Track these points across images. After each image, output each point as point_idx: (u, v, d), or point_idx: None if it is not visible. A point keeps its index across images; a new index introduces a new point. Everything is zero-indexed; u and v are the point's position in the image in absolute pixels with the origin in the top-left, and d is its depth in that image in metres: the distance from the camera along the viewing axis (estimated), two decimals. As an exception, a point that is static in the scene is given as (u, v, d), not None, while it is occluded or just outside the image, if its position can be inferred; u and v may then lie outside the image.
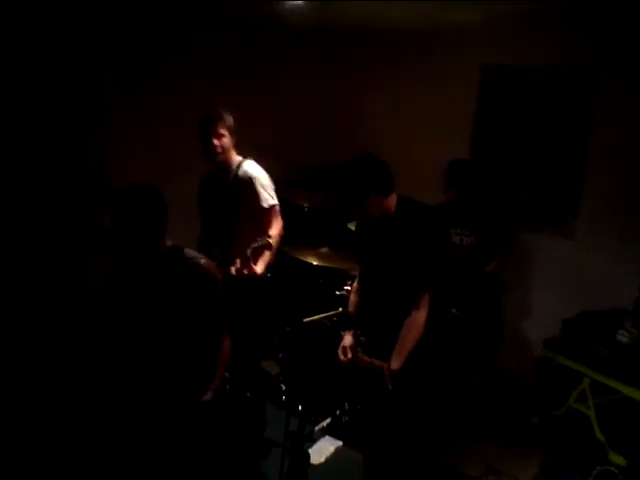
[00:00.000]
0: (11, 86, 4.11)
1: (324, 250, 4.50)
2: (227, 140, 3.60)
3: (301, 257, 4.38)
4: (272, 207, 3.65)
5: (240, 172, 3.64)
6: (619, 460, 3.71)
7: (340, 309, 4.04)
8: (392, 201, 2.86)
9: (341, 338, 3.11)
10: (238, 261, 3.41)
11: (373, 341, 3.07)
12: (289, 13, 4.61)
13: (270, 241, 3.41)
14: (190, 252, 2.75)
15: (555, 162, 4.63)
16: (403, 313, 2.82)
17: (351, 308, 3.22)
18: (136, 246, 2.65)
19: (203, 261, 2.74)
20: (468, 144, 5.16)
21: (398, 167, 4.84)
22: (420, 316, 2.79)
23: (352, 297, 3.28)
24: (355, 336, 3.06)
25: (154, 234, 2.64)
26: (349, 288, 4.15)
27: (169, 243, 2.74)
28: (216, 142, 3.56)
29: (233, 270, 3.41)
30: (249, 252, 3.39)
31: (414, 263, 2.78)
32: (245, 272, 3.41)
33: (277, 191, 3.78)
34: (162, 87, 4.88)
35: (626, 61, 4.14)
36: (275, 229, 3.65)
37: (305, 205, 4.70)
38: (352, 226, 4.25)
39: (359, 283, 3.25)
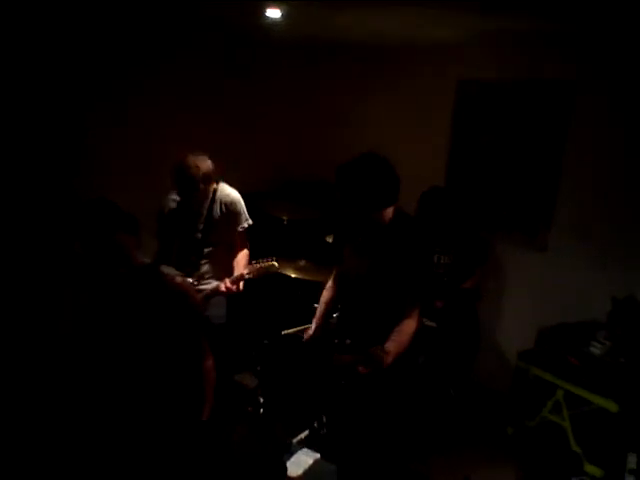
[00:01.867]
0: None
1: (302, 263, 4.52)
2: (206, 189, 3.66)
3: (279, 270, 4.39)
4: (249, 226, 3.82)
5: (219, 195, 3.72)
6: (595, 471, 3.75)
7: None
8: (390, 212, 2.85)
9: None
10: (228, 280, 3.58)
11: (357, 346, 3.07)
12: (273, 27, 4.66)
13: (276, 264, 3.56)
14: (167, 269, 2.72)
15: (529, 175, 4.70)
16: (389, 321, 2.84)
17: (322, 304, 3.28)
18: (104, 263, 2.59)
19: (179, 279, 2.72)
20: (445, 158, 5.23)
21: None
22: (411, 325, 2.83)
23: (325, 293, 3.32)
24: (339, 340, 3.06)
25: (117, 250, 2.58)
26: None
27: (144, 260, 2.70)
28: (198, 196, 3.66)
29: (223, 287, 3.58)
30: (247, 270, 3.58)
31: (409, 276, 2.82)
32: (234, 289, 3.60)
33: (257, 203, 3.86)
34: (144, 102, 4.90)
35: (600, 76, 4.22)
36: (247, 247, 3.85)
37: (284, 217, 4.71)
38: (330, 239, 4.27)
39: (335, 282, 3.29)
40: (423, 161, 5.13)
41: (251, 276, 3.58)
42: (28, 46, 4.22)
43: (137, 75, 4.86)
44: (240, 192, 3.83)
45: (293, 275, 4.36)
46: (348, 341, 2.98)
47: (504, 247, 4.86)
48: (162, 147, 3.64)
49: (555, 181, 4.54)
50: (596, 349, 3.96)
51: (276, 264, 3.55)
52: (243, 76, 5.63)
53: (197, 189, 3.57)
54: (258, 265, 3.56)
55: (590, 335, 4.04)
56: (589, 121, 4.33)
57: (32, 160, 4.38)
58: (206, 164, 3.58)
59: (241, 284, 3.64)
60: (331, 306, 3.29)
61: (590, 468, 3.78)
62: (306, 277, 4.37)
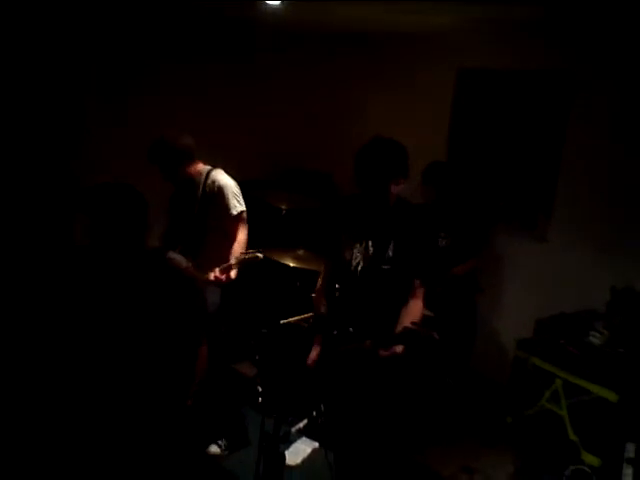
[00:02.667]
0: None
1: (301, 252, 4.51)
2: (187, 167, 3.65)
3: (278, 259, 4.38)
4: (240, 214, 3.73)
5: (209, 181, 3.70)
6: (592, 460, 3.76)
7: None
8: (394, 195, 2.88)
9: (314, 342, 3.10)
10: (217, 269, 3.53)
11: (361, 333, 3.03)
12: (271, 16, 4.63)
13: (260, 255, 3.51)
14: (173, 255, 2.73)
15: (529, 164, 4.69)
16: (393, 306, 2.85)
17: (322, 309, 3.19)
18: (118, 248, 2.61)
19: (184, 264, 2.73)
20: (445, 147, 5.21)
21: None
22: (419, 305, 2.86)
23: (319, 298, 3.24)
24: (339, 331, 3.02)
25: (137, 235, 2.61)
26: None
27: (153, 245, 2.73)
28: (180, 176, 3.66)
29: (212, 277, 3.53)
30: (234, 260, 3.54)
31: (414, 258, 2.84)
32: (224, 279, 3.54)
33: (256, 192, 3.84)
34: (143, 91, 4.88)
35: (601, 66, 4.20)
36: (242, 234, 3.76)
37: (283, 207, 4.70)
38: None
39: (325, 281, 3.22)
40: (422, 151, 5.09)
41: (237, 266, 3.56)
42: (28, 42, 4.21)
43: (135, 69, 4.86)
44: (238, 180, 3.80)
45: (292, 264, 4.35)
46: (351, 329, 2.94)
47: (503, 237, 4.85)
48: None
49: (555, 172, 4.53)
50: (595, 339, 3.95)
51: (260, 255, 3.53)
52: (243, 67, 5.61)
53: (178, 164, 3.57)
54: (243, 256, 3.54)
55: (589, 325, 4.04)
56: (589, 110, 4.31)
57: (32, 157, 4.38)
58: (185, 139, 3.57)
59: (232, 273, 3.58)
60: None
61: (588, 457, 3.79)
62: (305, 266, 4.36)
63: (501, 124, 4.86)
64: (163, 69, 4.98)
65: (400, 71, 5.42)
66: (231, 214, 3.69)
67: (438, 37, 4.93)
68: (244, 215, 3.76)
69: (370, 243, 2.91)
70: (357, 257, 2.95)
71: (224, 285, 3.64)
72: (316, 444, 3.84)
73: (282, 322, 4.00)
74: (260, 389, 4.24)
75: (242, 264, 3.53)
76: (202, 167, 3.73)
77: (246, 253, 3.54)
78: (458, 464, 3.80)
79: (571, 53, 4.33)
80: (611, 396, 3.67)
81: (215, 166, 3.77)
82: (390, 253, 2.86)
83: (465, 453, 3.95)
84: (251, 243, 3.82)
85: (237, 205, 3.71)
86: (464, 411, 4.43)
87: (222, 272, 3.54)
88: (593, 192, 4.35)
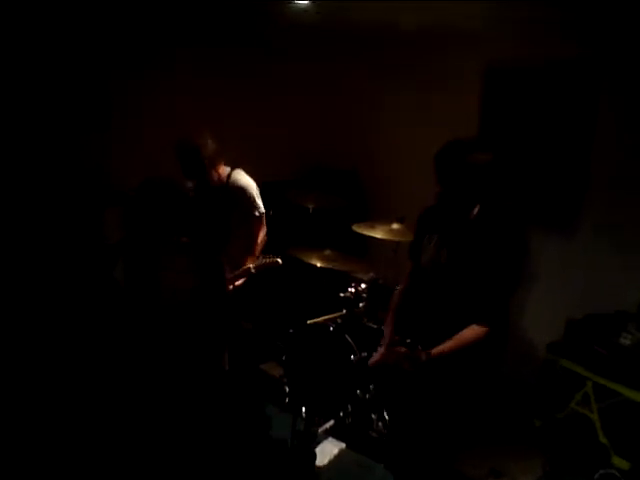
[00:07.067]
0: (13, 86, 4.15)
1: (328, 252, 4.50)
2: (213, 171, 3.66)
3: (305, 259, 4.38)
4: (262, 215, 3.78)
5: (231, 181, 3.71)
6: (622, 464, 3.72)
7: (344, 311, 4.06)
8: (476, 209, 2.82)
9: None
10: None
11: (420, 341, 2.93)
12: (293, 13, 4.65)
13: (279, 261, 3.53)
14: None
15: (559, 162, 4.62)
16: (463, 318, 2.78)
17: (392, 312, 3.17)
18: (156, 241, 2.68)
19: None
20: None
21: (402, 168, 4.77)
22: (473, 331, 2.79)
23: (396, 299, 3.20)
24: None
25: (176, 228, 2.71)
26: (353, 290, 4.15)
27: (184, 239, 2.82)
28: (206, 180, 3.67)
29: None
30: (253, 266, 3.59)
31: (487, 275, 2.71)
32: (231, 287, 3.59)
33: (284, 193, 3.85)
34: (166, 88, 4.91)
35: (629, 52, 4.11)
36: (261, 236, 3.82)
37: (310, 206, 4.69)
38: (357, 228, 4.25)
39: (406, 283, 3.18)
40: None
41: (254, 271, 3.57)
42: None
43: (163, 63, 4.89)
44: (265, 181, 3.82)
45: (319, 264, 4.34)
46: (408, 340, 2.90)
47: (533, 237, 4.79)
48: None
49: (586, 170, 4.46)
50: (626, 340, 3.89)
51: (280, 261, 3.56)
52: (269, 63, 5.61)
53: (206, 170, 3.59)
54: (263, 261, 3.56)
55: (620, 326, 3.98)
56: (620, 101, 4.23)
57: (60, 153, 4.44)
58: (210, 144, 3.58)
59: (238, 282, 3.61)
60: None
61: (618, 460, 3.75)
62: (332, 266, 4.35)
63: (530, 118, 4.78)
64: (182, 68, 5.03)
65: (429, 67, 5.36)
66: (254, 215, 3.70)
67: (464, 32, 4.86)
68: (263, 217, 3.80)
69: (447, 248, 2.84)
70: (433, 261, 2.90)
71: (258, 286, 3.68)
72: (343, 445, 3.83)
73: (309, 322, 4.00)
74: (287, 389, 4.25)
75: (261, 270, 3.55)
76: (224, 169, 3.73)
77: (265, 258, 3.57)
78: (486, 467, 3.77)
79: (598, 41, 4.23)
80: (642, 399, 3.62)
81: (234, 167, 3.77)
82: (464, 261, 2.77)
83: (493, 456, 3.92)
84: (279, 243, 3.84)
85: (259, 206, 3.75)
86: (492, 413, 4.39)
87: (229, 282, 3.58)
88: (624, 191, 4.28)
